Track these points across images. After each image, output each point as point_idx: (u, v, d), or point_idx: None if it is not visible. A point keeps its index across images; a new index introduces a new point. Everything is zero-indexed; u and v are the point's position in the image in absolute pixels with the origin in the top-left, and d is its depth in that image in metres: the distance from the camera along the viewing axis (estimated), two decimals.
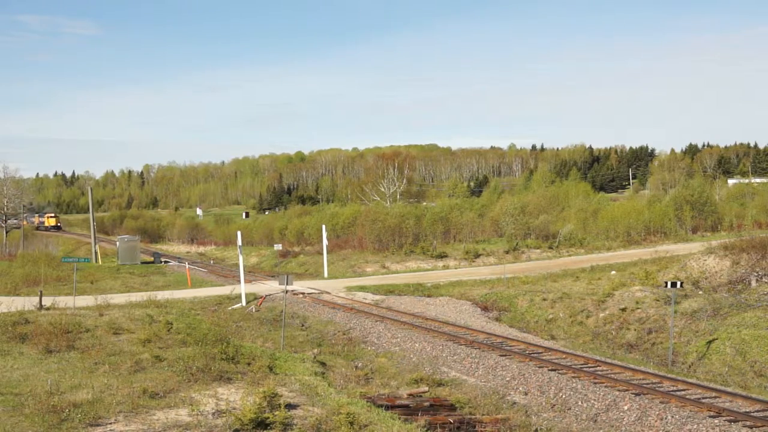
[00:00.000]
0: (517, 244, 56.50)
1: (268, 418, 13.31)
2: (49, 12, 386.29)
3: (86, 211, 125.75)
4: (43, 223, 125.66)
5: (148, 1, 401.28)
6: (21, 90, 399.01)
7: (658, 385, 17.75)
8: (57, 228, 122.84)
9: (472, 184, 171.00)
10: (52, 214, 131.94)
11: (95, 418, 13.50)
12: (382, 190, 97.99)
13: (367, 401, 16.39)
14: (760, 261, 30.61)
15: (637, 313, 28.43)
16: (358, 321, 28.99)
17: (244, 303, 34.31)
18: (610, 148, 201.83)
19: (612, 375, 18.74)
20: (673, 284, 24.18)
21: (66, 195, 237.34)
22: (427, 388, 19.14)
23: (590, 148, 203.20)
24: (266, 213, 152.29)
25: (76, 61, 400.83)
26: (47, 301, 30.38)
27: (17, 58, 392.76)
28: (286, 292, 26.90)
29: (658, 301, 28.92)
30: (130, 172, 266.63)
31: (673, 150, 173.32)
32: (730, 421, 14.64)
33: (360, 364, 22.55)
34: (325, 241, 48.42)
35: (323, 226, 49.88)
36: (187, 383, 16.31)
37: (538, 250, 55.82)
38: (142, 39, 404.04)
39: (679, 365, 22.95)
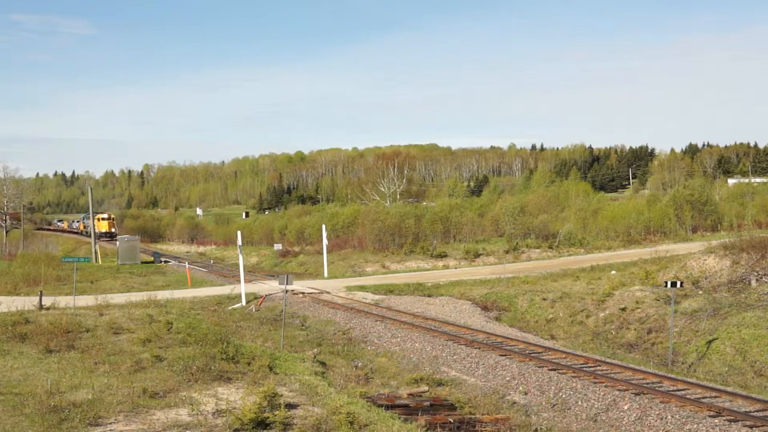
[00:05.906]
0: (516, 244, 56.47)
1: (268, 417, 13.31)
2: (45, 12, 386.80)
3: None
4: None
5: (146, 0, 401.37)
6: (20, 90, 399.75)
7: (658, 384, 17.75)
8: (111, 236, 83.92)
9: (472, 183, 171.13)
10: (105, 216, 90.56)
11: (95, 418, 13.49)
12: (382, 189, 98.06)
13: (367, 401, 16.38)
14: (760, 261, 30.61)
15: (637, 312, 28.43)
16: (358, 321, 28.97)
17: (244, 303, 34.30)
18: (610, 148, 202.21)
19: (612, 375, 18.74)
20: (673, 284, 24.17)
21: (66, 195, 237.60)
22: (427, 388, 19.13)
23: (590, 148, 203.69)
24: (266, 213, 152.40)
25: (75, 60, 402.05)
26: (47, 300, 30.38)
27: (15, 57, 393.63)
28: (286, 291, 26.88)
29: (658, 300, 28.91)
30: (130, 172, 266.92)
31: (673, 150, 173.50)
32: (730, 420, 14.64)
33: (360, 364, 22.53)
34: (325, 241, 48.40)
35: (323, 226, 49.89)
36: (187, 383, 16.31)
37: (538, 250, 55.82)
38: (141, 39, 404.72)
39: (679, 365, 22.94)
